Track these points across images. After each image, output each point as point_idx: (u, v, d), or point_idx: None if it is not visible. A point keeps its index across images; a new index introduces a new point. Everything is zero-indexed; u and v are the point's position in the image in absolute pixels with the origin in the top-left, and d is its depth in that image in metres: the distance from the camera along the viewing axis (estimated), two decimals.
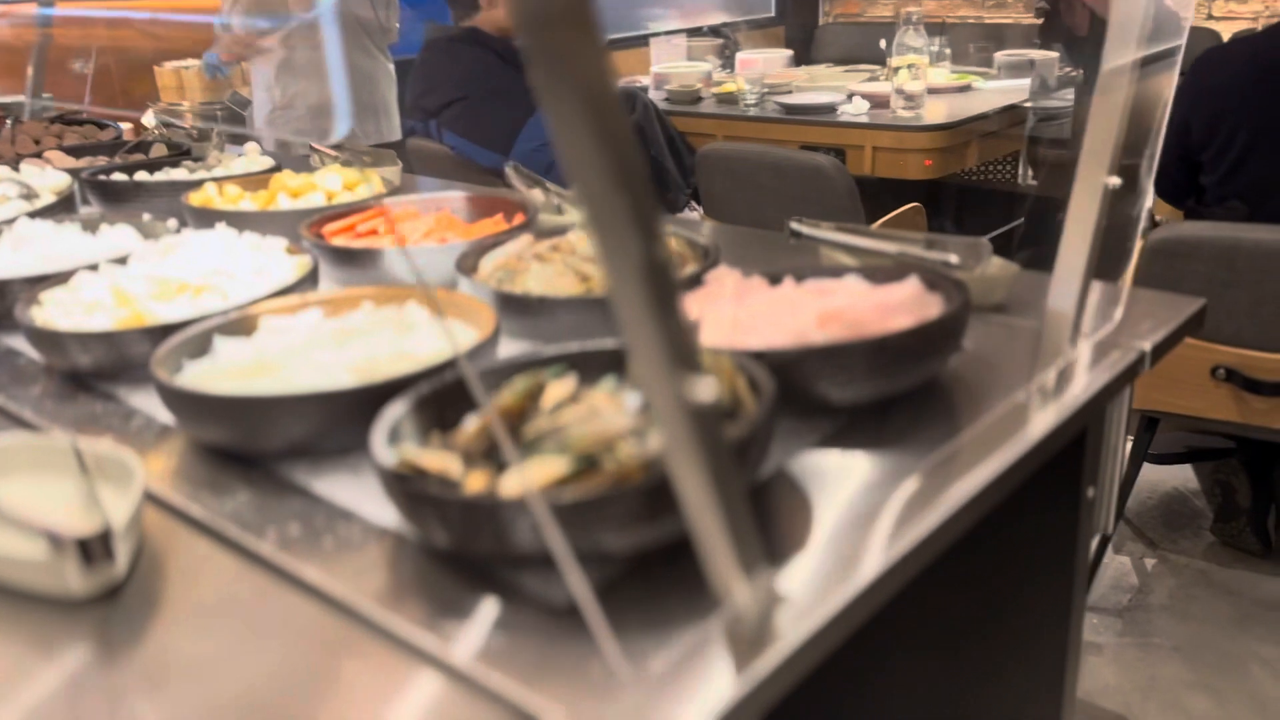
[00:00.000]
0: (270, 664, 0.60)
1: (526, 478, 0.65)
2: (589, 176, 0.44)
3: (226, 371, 0.90)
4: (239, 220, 1.36)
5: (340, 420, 0.80)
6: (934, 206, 2.73)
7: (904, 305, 0.89)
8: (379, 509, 0.75)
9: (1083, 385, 0.85)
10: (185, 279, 1.04)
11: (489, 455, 0.70)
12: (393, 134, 3.19)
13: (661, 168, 3.34)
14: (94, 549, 0.58)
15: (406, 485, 0.64)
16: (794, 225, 1.25)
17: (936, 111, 2.82)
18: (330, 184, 1.48)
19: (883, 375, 0.82)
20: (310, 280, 1.10)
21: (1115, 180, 0.82)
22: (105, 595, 0.65)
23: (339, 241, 1.25)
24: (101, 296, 1.03)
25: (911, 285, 0.94)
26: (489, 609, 0.63)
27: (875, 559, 0.64)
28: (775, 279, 1.02)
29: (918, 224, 2.54)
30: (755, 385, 0.73)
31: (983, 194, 3.33)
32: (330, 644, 0.62)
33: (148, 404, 0.96)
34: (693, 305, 0.98)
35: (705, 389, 0.49)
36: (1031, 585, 1.02)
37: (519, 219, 1.33)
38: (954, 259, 1.07)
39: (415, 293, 1.02)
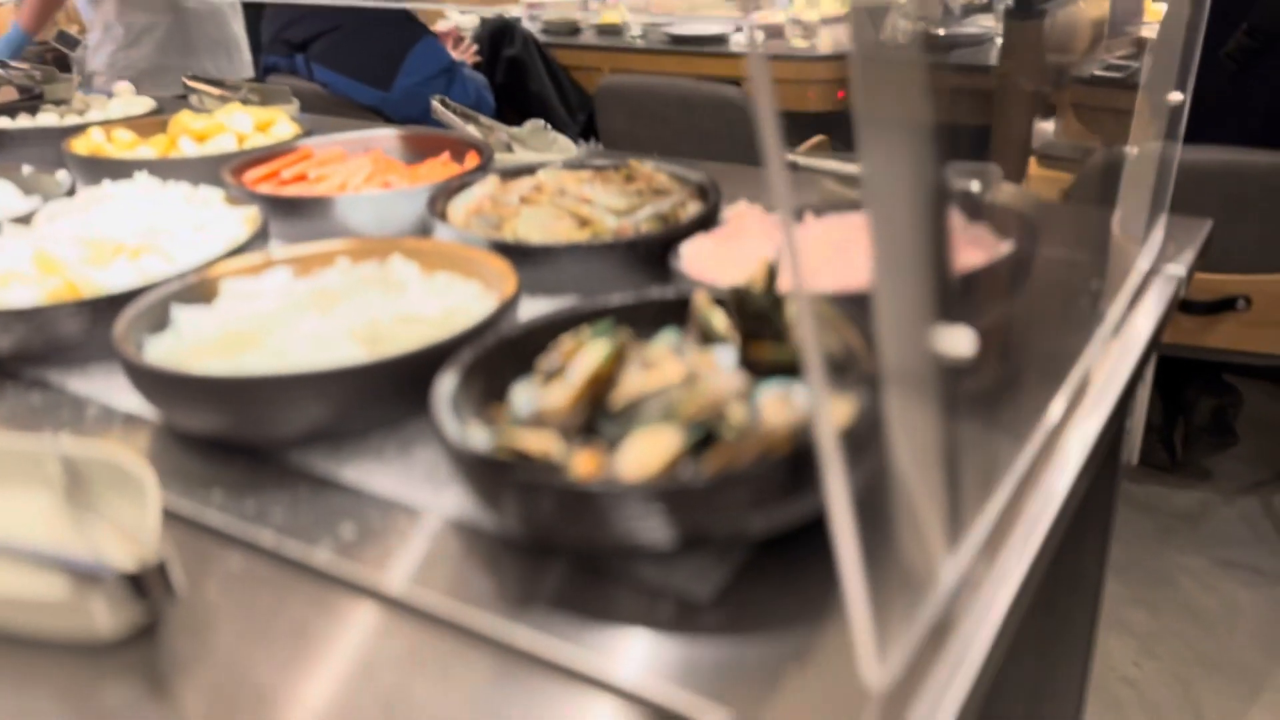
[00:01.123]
0: (400, 698, 0.49)
1: (646, 455, 0.56)
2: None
3: (200, 346, 0.76)
4: (140, 170, 1.18)
5: (372, 398, 0.69)
6: (840, 139, 2.70)
7: (974, 239, 0.83)
8: (432, 498, 0.64)
9: (1150, 314, 0.81)
10: (120, 239, 0.88)
11: (577, 431, 0.60)
12: (244, 70, 2.93)
13: (546, 104, 3.19)
14: (150, 583, 0.46)
15: (514, 475, 0.54)
16: (790, 157, 1.17)
17: (833, 43, 2.78)
18: (240, 125, 1.31)
19: (974, 312, 0.76)
20: (262, 236, 0.95)
21: (1178, 96, 0.78)
22: (138, 635, 0.52)
23: (289, 191, 1.10)
24: (17, 265, 0.86)
25: (954, 217, 0.88)
26: (624, 610, 0.54)
27: (1041, 528, 0.58)
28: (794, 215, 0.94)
29: (826, 154, 2.50)
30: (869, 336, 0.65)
31: None
32: (454, 667, 0.51)
33: (94, 390, 0.81)
34: (717, 245, 0.89)
35: (964, 343, 0.41)
36: (1072, 535, 0.99)
37: (473, 159, 1.20)
38: (976, 186, 1.02)
39: (401, 245, 0.89)
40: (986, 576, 0.54)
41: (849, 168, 1.12)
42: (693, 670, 0.49)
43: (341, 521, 0.62)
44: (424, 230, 1.09)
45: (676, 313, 0.75)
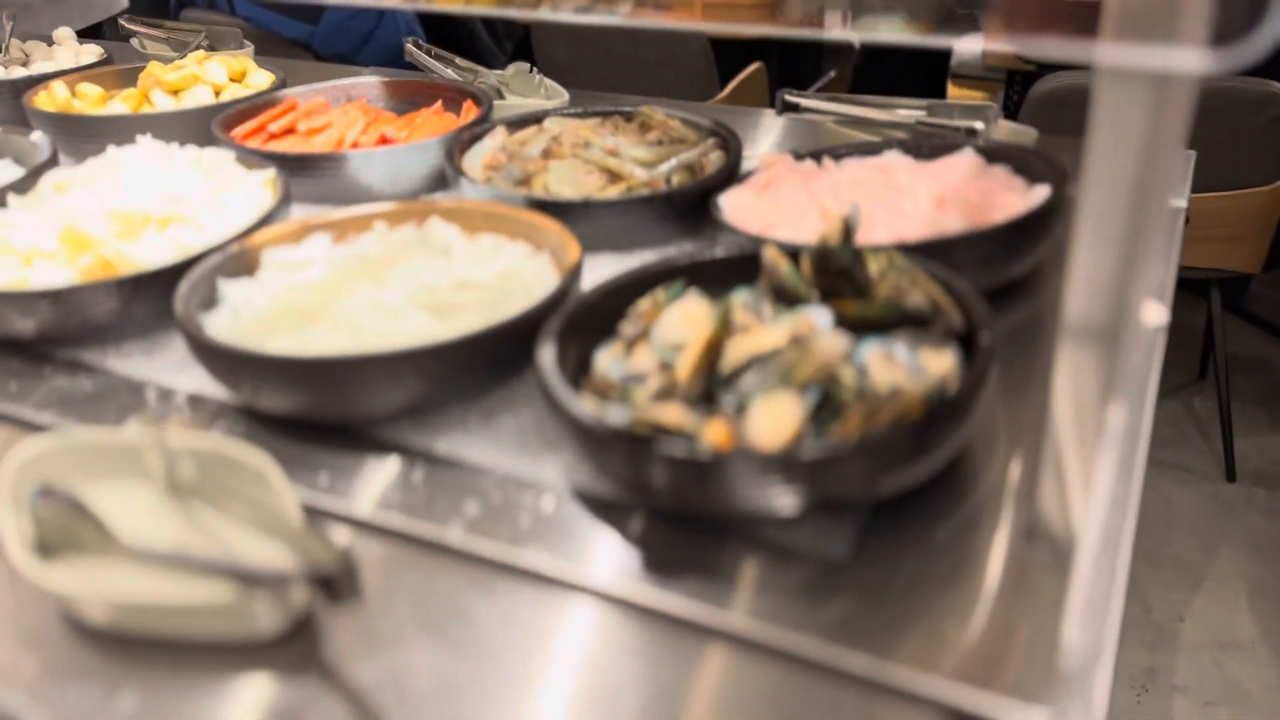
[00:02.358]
0: (602, 679, 0.51)
1: (776, 422, 0.58)
2: None
3: (260, 323, 0.74)
4: (119, 128, 1.13)
5: (468, 370, 0.69)
6: (773, 62, 2.70)
7: (1005, 182, 0.85)
8: (534, 468, 0.65)
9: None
10: (145, 209, 0.85)
11: (698, 399, 0.61)
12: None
13: (471, 32, 3.10)
14: (341, 585, 0.46)
15: (659, 450, 0.55)
16: (787, 96, 1.18)
17: None
18: (214, 76, 1.26)
19: (1019, 258, 0.79)
20: (286, 200, 0.93)
21: None
22: (294, 631, 0.53)
23: (293, 148, 1.07)
24: (39, 241, 0.82)
25: (969, 158, 0.91)
26: (767, 571, 0.56)
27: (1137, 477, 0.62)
28: (809, 159, 0.95)
29: (761, 83, 2.50)
30: (951, 288, 0.68)
31: (811, 45, 3.32)
32: (641, 644, 0.53)
33: (137, 369, 0.79)
34: (756, 197, 0.90)
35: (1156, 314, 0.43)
36: None
37: (470, 108, 1.18)
38: (979, 125, 1.05)
39: (438, 207, 0.88)
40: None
41: (855, 110, 1.13)
42: (880, 628, 0.52)
43: (464, 498, 0.62)
44: (437, 185, 1.07)
45: (742, 270, 0.76)
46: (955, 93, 3.15)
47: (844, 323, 0.67)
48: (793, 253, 0.73)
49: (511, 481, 0.64)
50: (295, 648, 0.52)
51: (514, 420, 0.71)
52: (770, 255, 0.72)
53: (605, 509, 0.61)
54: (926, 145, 0.96)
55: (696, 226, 0.95)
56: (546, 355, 0.65)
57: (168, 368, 0.79)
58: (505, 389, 0.73)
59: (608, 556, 0.58)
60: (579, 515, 0.61)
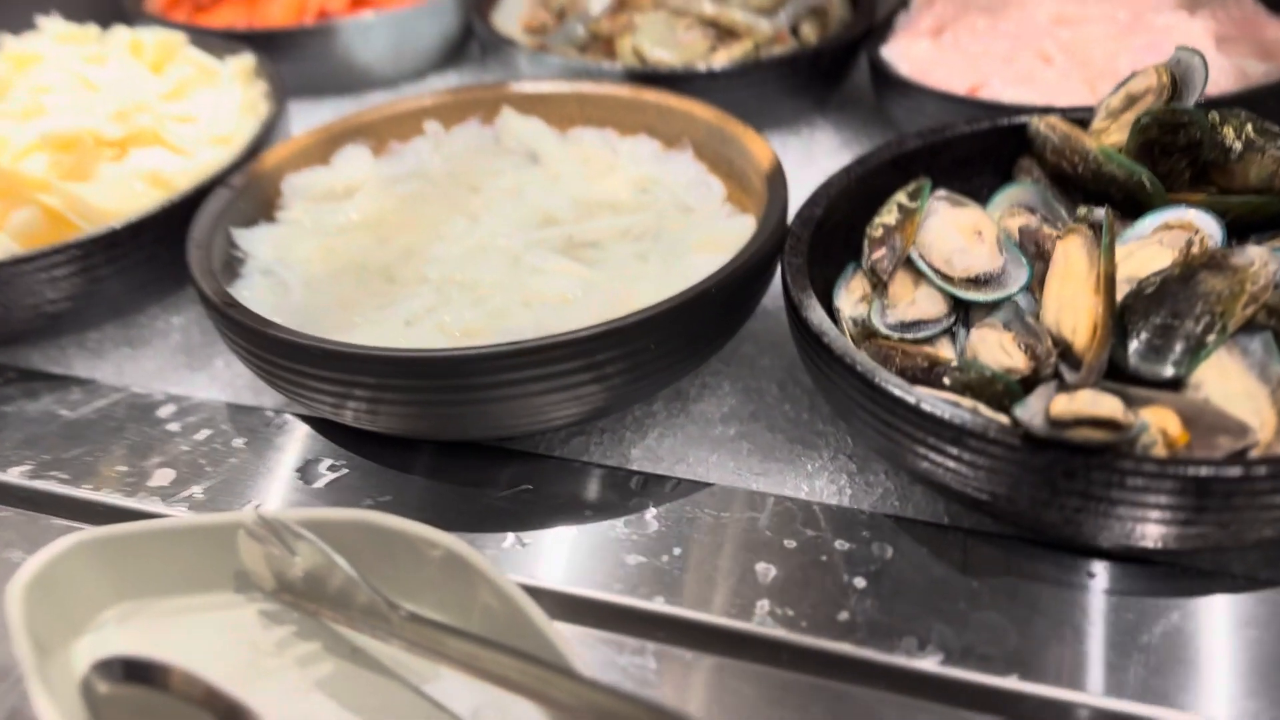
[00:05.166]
0: None
1: (1252, 405, 0.38)
2: None
3: (318, 290, 0.50)
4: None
5: (696, 338, 0.46)
6: None
7: (1254, 13, 0.65)
8: (797, 481, 0.44)
9: None
10: (94, 128, 0.57)
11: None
12: None
13: None
14: None
15: (1144, 466, 0.34)
16: None
17: None
18: None
19: None
20: (281, 98, 0.65)
21: None
22: None
23: (243, 20, 0.78)
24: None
25: None
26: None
27: None
28: None
29: None
30: None
31: None
32: None
33: (122, 373, 0.54)
34: (934, 46, 0.68)
35: None
36: None
37: None
38: None
39: (505, 93, 0.63)
40: None
41: None
42: None
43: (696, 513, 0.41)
44: (449, 62, 0.81)
45: (985, 154, 0.55)
46: None
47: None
48: (1079, 122, 0.52)
49: (759, 496, 0.43)
50: None
51: (704, 406, 0.49)
52: (1062, 130, 0.51)
53: (947, 536, 0.41)
54: None
55: (832, 95, 0.72)
56: (815, 312, 0.43)
57: (162, 368, 0.54)
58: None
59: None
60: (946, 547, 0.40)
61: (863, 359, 0.39)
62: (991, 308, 0.45)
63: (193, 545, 0.38)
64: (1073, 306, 0.41)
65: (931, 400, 0.37)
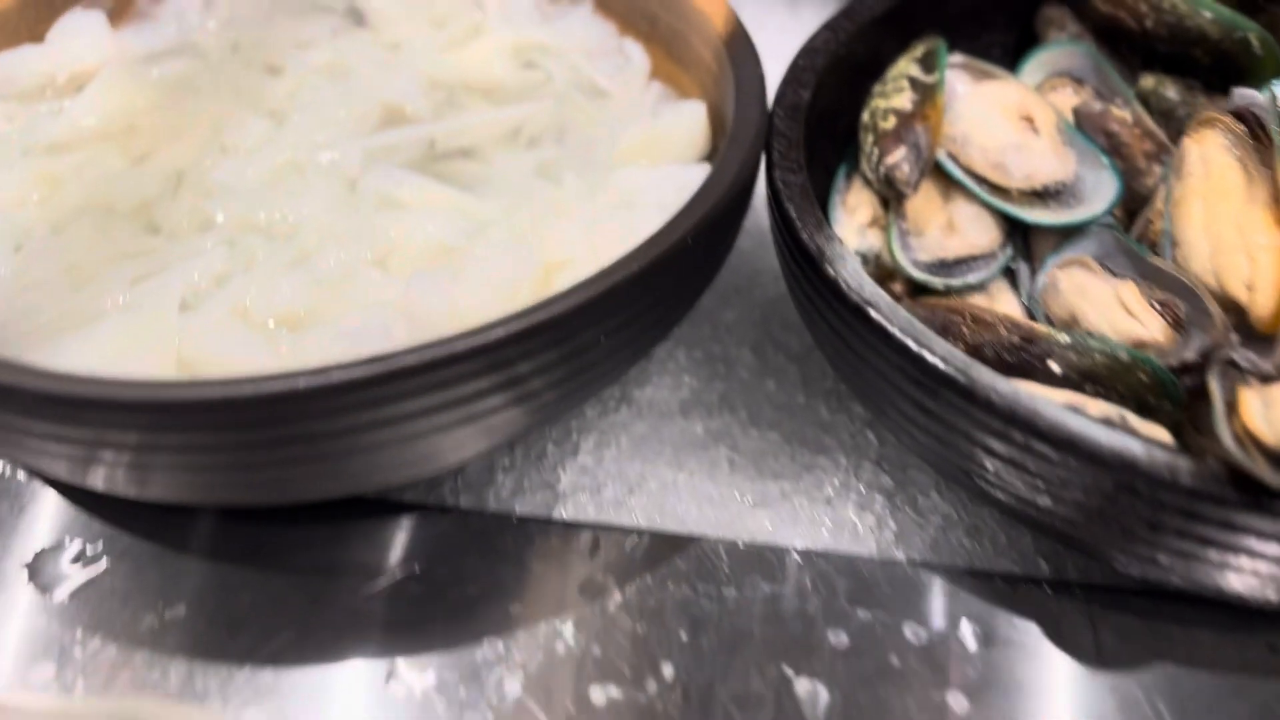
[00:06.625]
0: None
1: None
2: None
3: (46, 254, 0.31)
4: None
5: (663, 304, 0.30)
6: None
7: None
8: (814, 533, 0.30)
9: None
10: None
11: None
12: None
13: None
14: None
15: None
16: None
17: None
18: None
19: None
20: None
21: None
22: None
23: None
24: None
25: None
26: None
27: None
28: None
29: None
30: None
31: None
32: None
33: None
34: None
35: None
36: None
37: None
38: None
39: None
40: None
41: None
42: None
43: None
44: None
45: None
46: None
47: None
48: None
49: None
50: None
51: (672, 385, 0.34)
52: None
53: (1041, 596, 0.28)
54: None
55: None
56: (850, 270, 0.27)
57: None
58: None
59: None
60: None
61: (950, 353, 0.25)
62: (1066, 235, 0.31)
63: None
64: (1235, 246, 0.27)
65: (1078, 420, 0.23)
